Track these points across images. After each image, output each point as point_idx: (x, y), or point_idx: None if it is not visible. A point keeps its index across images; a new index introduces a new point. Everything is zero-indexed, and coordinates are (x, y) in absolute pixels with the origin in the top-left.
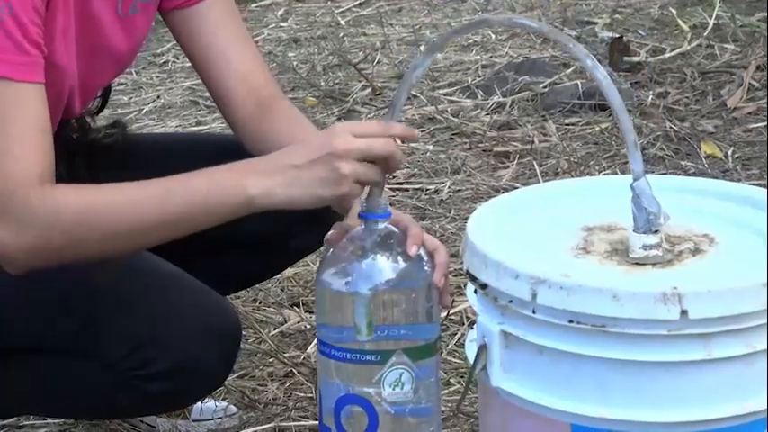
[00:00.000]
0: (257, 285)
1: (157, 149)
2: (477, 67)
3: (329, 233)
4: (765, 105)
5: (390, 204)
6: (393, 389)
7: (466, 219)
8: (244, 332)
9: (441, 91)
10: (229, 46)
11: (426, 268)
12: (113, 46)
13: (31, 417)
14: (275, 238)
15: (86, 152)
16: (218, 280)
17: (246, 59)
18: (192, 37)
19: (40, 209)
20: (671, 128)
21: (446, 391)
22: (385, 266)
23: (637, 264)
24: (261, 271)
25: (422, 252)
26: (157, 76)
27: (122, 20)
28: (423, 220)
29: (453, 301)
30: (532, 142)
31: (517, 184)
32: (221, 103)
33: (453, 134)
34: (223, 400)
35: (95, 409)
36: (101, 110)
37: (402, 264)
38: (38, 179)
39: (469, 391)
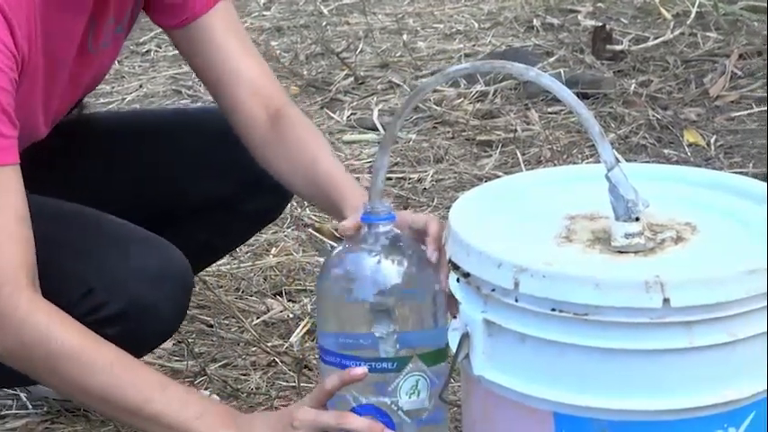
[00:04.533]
0: (239, 274)
1: (116, 127)
2: (461, 56)
3: (345, 223)
4: (749, 93)
5: None
6: (409, 397)
7: (448, 207)
8: (226, 321)
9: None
10: (236, 58)
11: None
12: (78, 81)
13: (14, 406)
14: (224, 203)
15: (49, 139)
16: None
17: (255, 70)
18: (196, 54)
19: (23, 322)
20: (653, 116)
21: None
22: (394, 272)
23: (619, 252)
24: (217, 241)
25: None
26: (140, 66)
27: (91, 56)
28: (405, 209)
29: None
30: (515, 131)
31: (500, 173)
32: (233, 117)
33: (436, 123)
34: (206, 389)
35: None
36: (71, 111)
37: (411, 268)
38: (25, 279)
39: (452, 380)
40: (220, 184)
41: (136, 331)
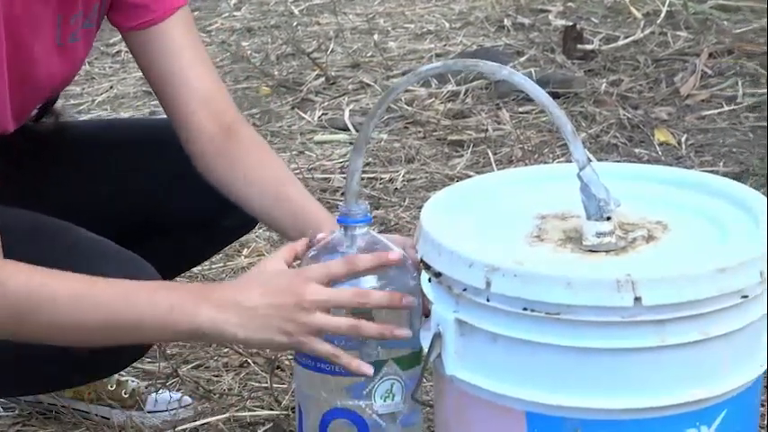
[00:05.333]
0: (210, 276)
1: (92, 137)
2: (431, 56)
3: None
4: (719, 92)
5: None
6: (384, 400)
7: (420, 207)
8: None
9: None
10: (189, 69)
11: (412, 274)
12: (48, 75)
13: None
14: (207, 218)
15: (20, 140)
16: (155, 263)
17: (207, 83)
18: (150, 59)
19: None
20: (624, 115)
21: None
22: (373, 275)
23: (590, 251)
24: (196, 253)
25: (404, 256)
26: (110, 66)
27: (60, 49)
28: (377, 209)
29: None
30: (486, 131)
31: (471, 173)
32: (180, 129)
33: (407, 123)
34: (178, 390)
35: (26, 382)
36: (39, 119)
37: (389, 271)
38: None
39: (424, 380)
40: (197, 198)
41: (110, 349)
